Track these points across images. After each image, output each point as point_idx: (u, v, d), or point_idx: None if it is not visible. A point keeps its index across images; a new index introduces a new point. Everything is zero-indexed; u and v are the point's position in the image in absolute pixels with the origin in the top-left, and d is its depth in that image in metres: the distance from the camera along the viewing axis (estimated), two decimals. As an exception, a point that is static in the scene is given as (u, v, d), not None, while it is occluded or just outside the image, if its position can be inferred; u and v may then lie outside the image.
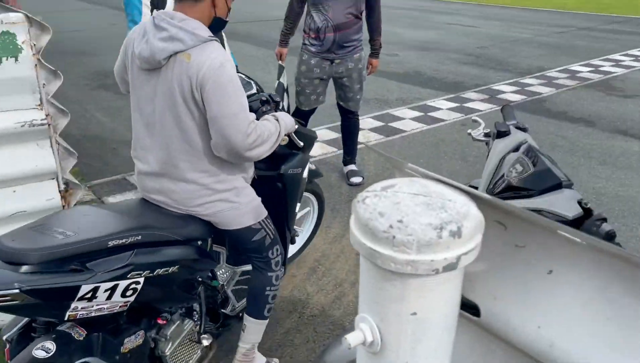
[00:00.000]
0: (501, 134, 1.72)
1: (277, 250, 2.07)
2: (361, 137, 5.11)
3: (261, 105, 2.07)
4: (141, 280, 1.66)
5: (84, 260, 1.56)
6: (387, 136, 5.15)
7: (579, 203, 1.40)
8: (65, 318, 1.57)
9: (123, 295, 1.63)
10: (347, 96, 3.85)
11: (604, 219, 1.34)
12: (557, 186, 1.45)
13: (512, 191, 1.50)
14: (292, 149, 2.22)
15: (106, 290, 1.58)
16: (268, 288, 2.06)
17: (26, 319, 1.66)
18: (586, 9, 13.48)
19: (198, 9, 1.74)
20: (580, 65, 7.81)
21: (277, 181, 2.24)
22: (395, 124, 5.47)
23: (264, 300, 2.05)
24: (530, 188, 1.47)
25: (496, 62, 8.19)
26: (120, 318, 1.75)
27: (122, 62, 1.92)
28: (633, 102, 5.98)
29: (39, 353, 1.52)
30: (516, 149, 1.63)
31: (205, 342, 2.01)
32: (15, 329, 1.66)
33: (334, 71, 3.71)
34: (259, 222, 1.97)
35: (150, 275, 1.68)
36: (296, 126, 2.06)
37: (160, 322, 1.88)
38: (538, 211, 1.41)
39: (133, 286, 1.65)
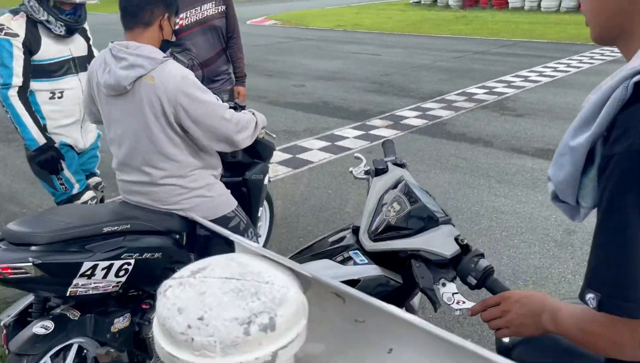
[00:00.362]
0: (379, 171, 1.68)
1: (251, 232, 2.37)
2: (270, 171, 5.02)
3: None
4: (132, 261, 1.95)
5: (83, 243, 1.85)
6: (295, 169, 5.10)
7: (456, 239, 1.36)
8: (67, 294, 1.84)
9: (116, 274, 1.92)
10: None
11: (482, 255, 1.31)
12: (434, 223, 1.41)
13: (392, 231, 1.45)
14: (254, 158, 2.58)
15: (103, 269, 1.87)
16: None
17: (22, 307, 1.93)
18: (479, 34, 14.37)
19: (148, 34, 1.99)
20: (476, 87, 8.23)
21: (242, 186, 2.59)
22: (303, 156, 5.43)
23: None
24: (409, 227, 1.42)
25: (399, 88, 8.45)
26: (109, 302, 2.03)
27: (88, 95, 2.16)
28: (524, 120, 6.34)
29: (39, 330, 1.79)
30: (395, 186, 1.59)
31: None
32: (11, 316, 1.91)
33: None
34: (233, 211, 2.27)
35: (140, 257, 1.97)
36: (265, 124, 2.32)
37: (144, 306, 2.14)
38: (417, 252, 1.36)
39: (125, 266, 1.93)
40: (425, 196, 1.51)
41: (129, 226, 1.98)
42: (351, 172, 1.83)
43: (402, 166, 1.74)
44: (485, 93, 7.85)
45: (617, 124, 0.75)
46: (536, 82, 8.44)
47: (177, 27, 3.28)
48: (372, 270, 1.45)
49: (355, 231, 1.59)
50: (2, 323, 1.90)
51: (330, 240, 1.65)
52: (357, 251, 1.51)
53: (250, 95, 8.02)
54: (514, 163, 5.04)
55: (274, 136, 2.86)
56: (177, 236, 2.16)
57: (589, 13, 0.90)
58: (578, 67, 9.38)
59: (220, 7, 3.50)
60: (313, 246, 1.63)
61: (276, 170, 5.07)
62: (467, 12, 20.23)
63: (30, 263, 1.71)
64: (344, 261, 1.49)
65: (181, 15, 3.32)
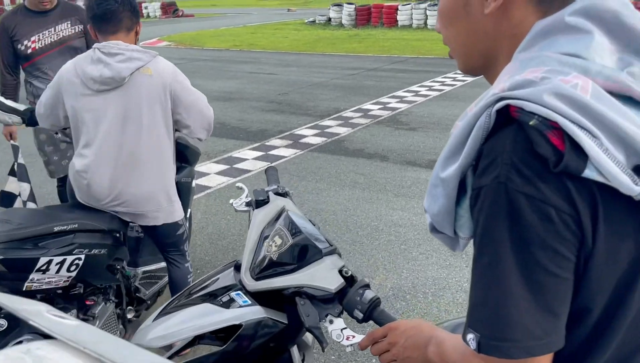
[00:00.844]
0: (260, 203, 1.57)
1: (187, 244, 2.52)
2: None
3: None
4: (82, 256, 2.11)
5: (36, 241, 2.02)
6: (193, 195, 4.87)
7: (340, 271, 1.29)
8: (24, 289, 1.99)
9: (68, 269, 2.08)
10: None
11: (367, 286, 1.25)
12: (318, 255, 1.33)
13: (275, 268, 1.34)
14: (182, 162, 2.68)
15: (57, 264, 2.03)
16: (189, 276, 2.51)
17: None
18: (371, 51, 14.90)
19: (130, 37, 2.19)
20: (371, 103, 8.46)
21: None
22: (200, 181, 5.22)
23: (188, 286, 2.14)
24: (291, 262, 1.33)
25: (297, 107, 8.47)
26: (57, 299, 2.17)
27: (54, 99, 2.19)
28: (417, 134, 6.58)
29: None
30: (277, 218, 1.49)
31: (129, 315, 2.44)
32: None
33: None
34: (183, 218, 2.42)
35: (89, 253, 2.13)
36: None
37: (88, 303, 2.27)
38: (300, 288, 1.27)
39: (76, 262, 2.09)
40: (309, 227, 1.42)
41: (76, 225, 2.15)
42: (231, 204, 1.70)
43: (284, 195, 1.64)
44: (379, 109, 8.08)
45: (483, 154, 0.71)
46: (426, 96, 8.85)
47: (29, 50, 3.14)
48: (255, 313, 1.34)
49: (238, 268, 1.47)
50: None
51: (212, 280, 1.52)
52: (240, 291, 1.39)
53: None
54: (409, 175, 5.18)
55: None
56: (117, 235, 2.33)
57: (452, 44, 0.87)
58: (463, 81, 9.97)
59: (77, 27, 3.31)
60: (193, 289, 1.49)
61: (171, 198, 4.82)
62: (359, 31, 20.96)
63: None
64: (226, 304, 1.36)
65: (33, 38, 3.16)
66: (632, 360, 0.73)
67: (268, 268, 1.35)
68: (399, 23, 21.58)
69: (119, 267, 2.39)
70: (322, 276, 1.28)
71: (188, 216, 3.12)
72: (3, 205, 3.14)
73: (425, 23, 20.80)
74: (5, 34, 3.19)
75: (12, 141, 3.25)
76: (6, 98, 3.15)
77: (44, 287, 2.06)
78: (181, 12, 36.48)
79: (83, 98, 2.13)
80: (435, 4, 21.16)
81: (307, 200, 4.66)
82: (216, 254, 3.77)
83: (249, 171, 5.52)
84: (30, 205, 3.17)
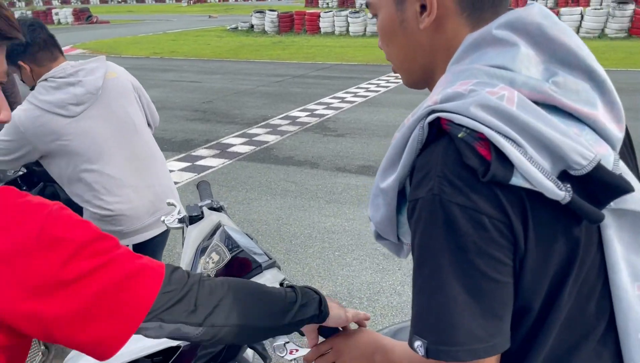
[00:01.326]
0: (194, 219, 1.51)
1: None
2: (84, 217, 4.51)
3: None
4: None
5: None
6: (115, 211, 4.65)
7: (281, 284, 1.27)
8: None
9: None
10: None
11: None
12: (258, 269, 1.30)
13: None
14: None
15: None
16: None
17: None
18: (296, 58, 14.97)
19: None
20: (299, 110, 8.48)
21: None
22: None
23: None
24: None
25: (223, 115, 8.34)
26: None
27: (20, 150, 1.99)
28: (345, 140, 6.66)
29: None
30: (212, 234, 1.44)
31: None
32: None
33: None
34: None
35: None
36: None
37: None
38: None
39: None
40: (247, 241, 1.39)
41: None
42: (163, 221, 1.63)
43: (219, 209, 1.59)
44: (307, 116, 8.12)
45: (417, 166, 0.73)
46: (352, 102, 8.99)
47: None
48: None
49: None
50: None
51: None
52: None
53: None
54: (339, 181, 5.23)
55: None
56: None
57: (394, 61, 0.88)
58: (387, 87, 10.23)
59: None
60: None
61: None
62: (283, 38, 21.02)
63: None
64: None
65: None
66: (567, 359, 0.76)
67: None
68: (322, 30, 21.87)
69: None
70: None
71: None
72: None
73: (348, 30, 21.21)
74: None
75: None
76: None
77: None
78: (95, 19, 34.94)
79: (65, 129, 1.98)
80: (357, 12, 21.67)
81: (238, 211, 4.57)
82: (145, 271, 3.61)
83: (175, 183, 5.34)
84: None
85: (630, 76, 10.30)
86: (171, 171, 5.67)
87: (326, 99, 9.26)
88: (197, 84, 11.33)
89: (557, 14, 19.89)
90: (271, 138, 6.91)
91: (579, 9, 17.74)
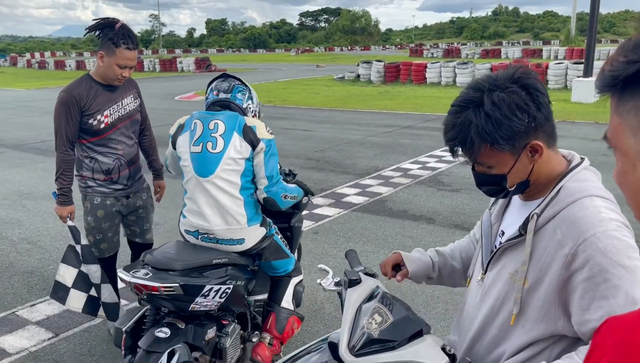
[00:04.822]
0: (352, 283, 1.62)
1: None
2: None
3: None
4: (231, 287, 2.54)
5: (201, 271, 2.46)
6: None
7: (443, 349, 1.35)
8: (189, 309, 2.41)
9: (220, 296, 2.49)
10: (145, 229, 3.51)
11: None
12: (419, 333, 1.39)
13: (375, 345, 1.40)
14: (294, 209, 3.37)
15: (215, 291, 2.44)
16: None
17: (137, 316, 2.49)
18: (404, 109, 15.15)
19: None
20: (410, 162, 8.52)
21: (287, 231, 3.35)
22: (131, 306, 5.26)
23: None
24: (393, 339, 1.39)
25: (335, 164, 8.59)
26: (202, 318, 2.55)
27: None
28: (460, 195, 6.57)
29: (160, 335, 2.34)
30: (370, 297, 1.54)
31: (254, 338, 2.81)
32: (129, 323, 2.45)
33: (131, 206, 3.37)
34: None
35: (236, 284, 2.58)
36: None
37: (224, 322, 2.67)
38: None
39: (226, 290, 2.51)
40: (405, 306, 1.48)
41: (227, 259, 2.59)
42: (320, 284, 1.77)
43: (373, 275, 1.70)
44: (419, 168, 8.13)
45: None
46: (461, 162, 8.86)
47: (102, 125, 3.14)
48: None
49: (331, 346, 1.52)
50: (123, 329, 2.44)
51: (303, 359, 1.57)
52: None
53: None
54: (458, 239, 5.13)
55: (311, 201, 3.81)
56: (250, 269, 2.80)
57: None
58: (499, 141, 9.99)
59: (137, 100, 3.35)
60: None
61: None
62: (389, 87, 21.40)
63: (178, 284, 2.30)
64: None
65: (106, 113, 3.11)
66: None
67: (368, 345, 1.40)
68: (428, 80, 22.00)
69: (246, 296, 2.83)
70: (426, 353, 1.34)
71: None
72: (57, 298, 3.10)
73: (454, 81, 21.16)
74: (76, 107, 3.02)
75: (70, 222, 3.14)
76: (66, 176, 3.13)
77: (201, 309, 2.47)
78: (214, 67, 37.83)
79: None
80: (465, 63, 21.58)
81: (357, 263, 4.64)
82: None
83: (295, 230, 5.55)
84: (106, 287, 3.13)
85: None
86: (290, 218, 5.91)
87: (437, 152, 9.23)
88: (309, 132, 11.80)
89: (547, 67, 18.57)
90: (384, 190, 6.99)
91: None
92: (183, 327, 2.44)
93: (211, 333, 2.52)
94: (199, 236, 2.66)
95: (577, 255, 1.19)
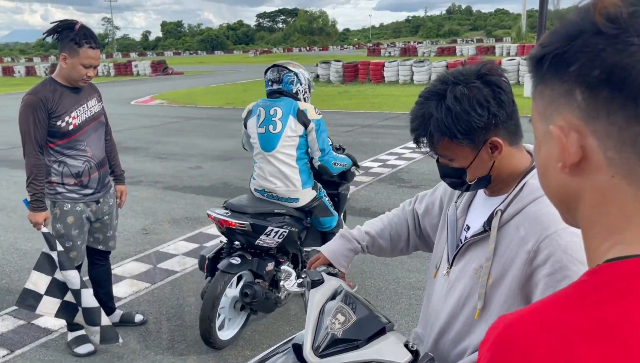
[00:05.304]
0: (315, 283, 1.62)
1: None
2: (176, 264, 4.73)
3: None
4: (287, 231, 3.35)
5: (265, 216, 3.29)
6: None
7: (406, 345, 1.37)
8: (256, 244, 3.27)
9: (279, 237, 3.31)
10: (108, 235, 3.44)
11: (432, 359, 1.31)
12: (382, 330, 1.41)
13: (339, 345, 1.40)
14: (342, 180, 4.07)
15: (274, 232, 3.26)
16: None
17: (216, 249, 3.43)
18: (363, 108, 15.26)
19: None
20: (371, 161, 8.60)
21: (335, 196, 4.00)
22: (213, 244, 5.20)
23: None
24: (357, 338, 1.40)
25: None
26: (264, 254, 3.39)
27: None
28: (421, 191, 6.64)
29: (234, 261, 3.20)
30: (333, 297, 1.55)
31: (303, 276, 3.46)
32: (211, 253, 3.39)
33: (99, 213, 3.32)
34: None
35: (291, 229, 3.38)
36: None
37: (281, 260, 3.48)
38: None
39: (283, 233, 3.32)
40: (368, 304, 1.50)
41: (285, 210, 3.41)
42: (283, 286, 1.76)
43: (335, 275, 1.70)
44: (379, 166, 8.22)
45: None
46: (425, 152, 9.00)
47: (71, 127, 3.12)
48: None
49: (296, 349, 1.52)
50: (207, 256, 3.37)
51: (268, 362, 1.57)
52: None
53: (143, 181, 7.71)
54: (419, 235, 5.21)
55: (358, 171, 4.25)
56: (303, 221, 3.61)
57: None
58: (457, 137, 10.19)
59: (101, 103, 3.31)
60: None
61: (184, 262, 4.79)
62: (348, 87, 21.52)
63: (248, 223, 3.17)
64: None
65: (73, 114, 3.06)
66: None
67: (332, 346, 1.40)
68: (386, 79, 22.24)
69: (299, 242, 3.62)
70: (390, 351, 1.35)
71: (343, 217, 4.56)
72: (25, 306, 3.02)
73: (412, 79, 21.47)
74: (43, 109, 2.96)
75: (44, 229, 3.06)
76: (38, 181, 3.02)
77: (264, 246, 3.32)
78: (171, 70, 37.21)
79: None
80: (421, 61, 21.92)
81: (321, 263, 4.65)
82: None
83: (258, 232, 5.51)
84: (87, 292, 3.05)
85: None
86: (253, 221, 5.87)
87: (397, 149, 9.34)
88: (270, 133, 11.73)
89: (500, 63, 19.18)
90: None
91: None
92: (250, 259, 3.31)
93: (270, 266, 3.37)
94: (265, 194, 3.51)
95: (539, 252, 1.21)
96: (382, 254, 1.84)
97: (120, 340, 3.25)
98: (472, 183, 1.39)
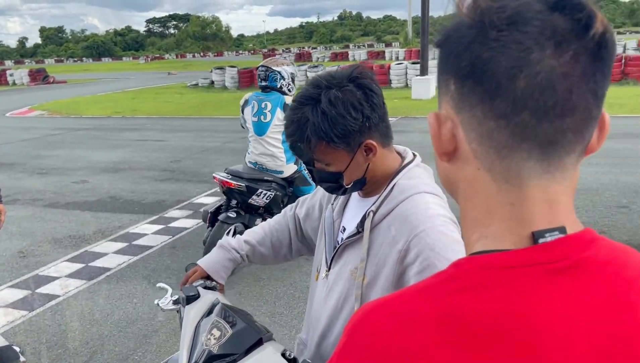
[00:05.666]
0: (190, 299, 1.54)
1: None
2: (57, 288, 4.36)
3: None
4: (273, 194, 4.30)
5: (257, 181, 4.26)
6: (90, 280, 4.52)
7: (283, 355, 1.34)
8: (249, 201, 4.28)
9: (267, 198, 4.28)
10: None
11: None
12: (259, 341, 1.36)
13: (215, 361, 1.34)
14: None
15: (264, 194, 4.23)
16: None
17: (215, 206, 4.48)
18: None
19: None
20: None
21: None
22: (97, 263, 4.87)
23: None
24: (232, 352, 1.34)
25: (192, 174, 8.32)
26: (254, 213, 4.40)
27: None
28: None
29: (231, 215, 4.27)
30: (210, 312, 1.48)
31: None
32: (213, 208, 4.45)
33: None
34: None
35: (276, 193, 4.32)
36: None
37: (267, 218, 4.02)
38: None
39: (270, 195, 4.26)
40: (245, 316, 1.44)
41: (272, 179, 4.34)
42: (157, 305, 1.64)
43: (213, 288, 1.63)
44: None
45: None
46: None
47: None
48: None
49: None
50: (209, 211, 4.38)
51: None
52: None
53: (20, 199, 7.07)
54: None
55: None
56: (286, 188, 4.47)
57: None
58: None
59: None
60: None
61: (66, 285, 4.43)
62: (244, 93, 21.23)
63: (244, 184, 4.15)
64: None
65: None
66: None
67: (209, 361, 1.34)
68: (282, 84, 22.29)
69: (282, 205, 4.36)
70: (266, 361, 1.30)
71: None
72: None
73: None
74: None
75: None
76: None
77: (255, 204, 4.27)
78: (52, 79, 34.67)
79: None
80: (315, 65, 22.30)
81: (218, 273, 4.52)
82: (128, 344, 3.49)
83: (150, 246, 5.25)
84: None
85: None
86: (144, 234, 5.58)
87: (294, 154, 9.37)
88: (163, 143, 11.30)
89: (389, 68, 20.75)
90: (243, 196, 6.91)
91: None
92: (243, 214, 4.33)
93: (259, 221, 4.27)
94: (257, 166, 4.48)
95: (409, 251, 1.23)
96: (265, 262, 1.80)
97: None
98: (349, 186, 1.39)
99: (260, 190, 4.21)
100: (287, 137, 1.36)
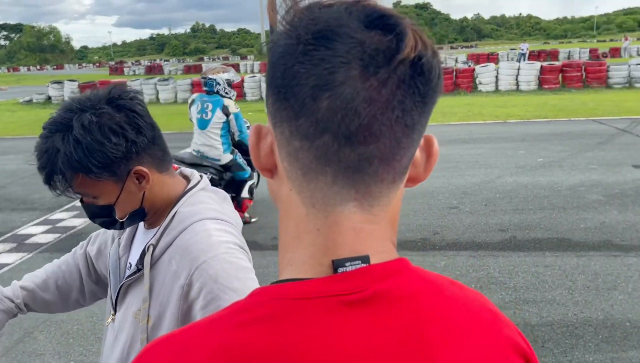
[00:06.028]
0: None
1: None
2: None
3: None
4: (210, 176, 5.22)
5: (197, 166, 5.29)
6: None
7: None
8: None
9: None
10: None
11: None
12: None
13: None
14: None
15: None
16: None
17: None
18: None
19: None
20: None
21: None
22: None
23: None
24: None
25: (18, 201, 7.41)
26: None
27: None
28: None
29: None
30: None
31: None
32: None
33: None
34: None
35: (213, 176, 5.37)
36: None
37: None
38: None
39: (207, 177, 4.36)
40: None
41: (210, 165, 5.44)
42: None
43: None
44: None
45: None
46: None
47: None
48: None
49: None
50: None
51: None
52: None
53: None
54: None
55: None
56: (222, 173, 5.59)
57: None
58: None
59: None
60: None
61: None
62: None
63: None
64: None
65: None
66: None
67: None
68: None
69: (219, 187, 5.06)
70: None
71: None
72: None
73: (157, 98, 20.87)
74: None
75: None
76: None
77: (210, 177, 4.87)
78: None
79: None
80: (166, 79, 21.50)
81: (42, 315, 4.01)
82: None
83: (-41, 290, 4.51)
84: None
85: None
86: (-47, 277, 4.79)
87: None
88: (-16, 167, 9.97)
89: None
90: (78, 222, 6.30)
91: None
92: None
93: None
94: (198, 154, 5.50)
95: (192, 285, 1.13)
96: (52, 309, 1.54)
97: None
98: (124, 219, 1.23)
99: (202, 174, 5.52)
100: (39, 170, 1.17)
